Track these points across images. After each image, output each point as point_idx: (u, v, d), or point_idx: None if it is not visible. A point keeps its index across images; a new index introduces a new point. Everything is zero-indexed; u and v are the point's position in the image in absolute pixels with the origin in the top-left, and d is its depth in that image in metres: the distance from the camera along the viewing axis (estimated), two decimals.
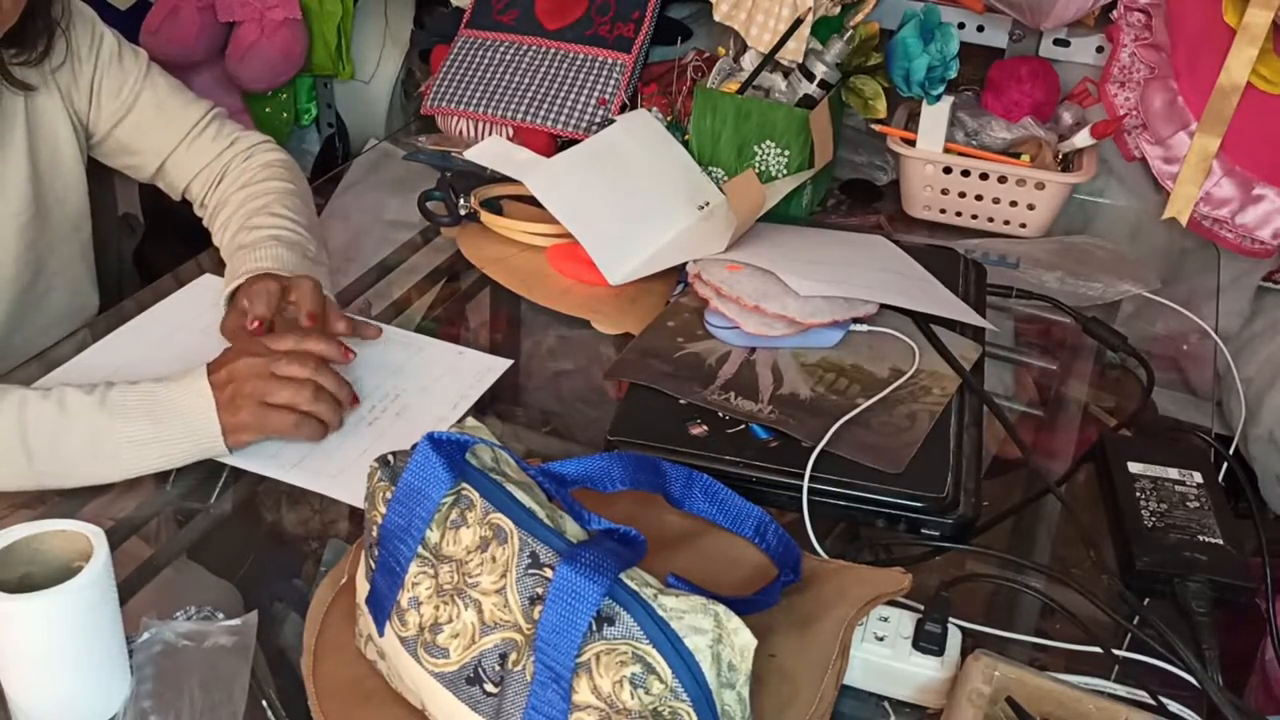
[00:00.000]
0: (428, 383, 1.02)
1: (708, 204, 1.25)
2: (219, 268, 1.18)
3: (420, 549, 0.67)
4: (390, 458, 0.70)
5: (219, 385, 0.90)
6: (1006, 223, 1.32)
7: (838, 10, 1.29)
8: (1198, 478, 0.89)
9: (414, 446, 0.68)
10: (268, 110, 1.81)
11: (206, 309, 1.10)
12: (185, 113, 1.17)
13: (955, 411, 0.93)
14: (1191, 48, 1.31)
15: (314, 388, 0.92)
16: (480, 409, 1.00)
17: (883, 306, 1.04)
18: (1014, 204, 1.31)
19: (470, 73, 1.46)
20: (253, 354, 0.92)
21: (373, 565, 0.69)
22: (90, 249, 1.20)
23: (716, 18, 1.32)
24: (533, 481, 0.70)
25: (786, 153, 1.28)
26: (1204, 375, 1.12)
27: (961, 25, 1.46)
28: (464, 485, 0.67)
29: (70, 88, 1.11)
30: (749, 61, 1.33)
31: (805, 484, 0.85)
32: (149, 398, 0.89)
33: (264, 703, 0.72)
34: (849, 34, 1.28)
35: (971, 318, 1.06)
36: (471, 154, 1.22)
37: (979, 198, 1.32)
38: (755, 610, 0.71)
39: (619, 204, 1.19)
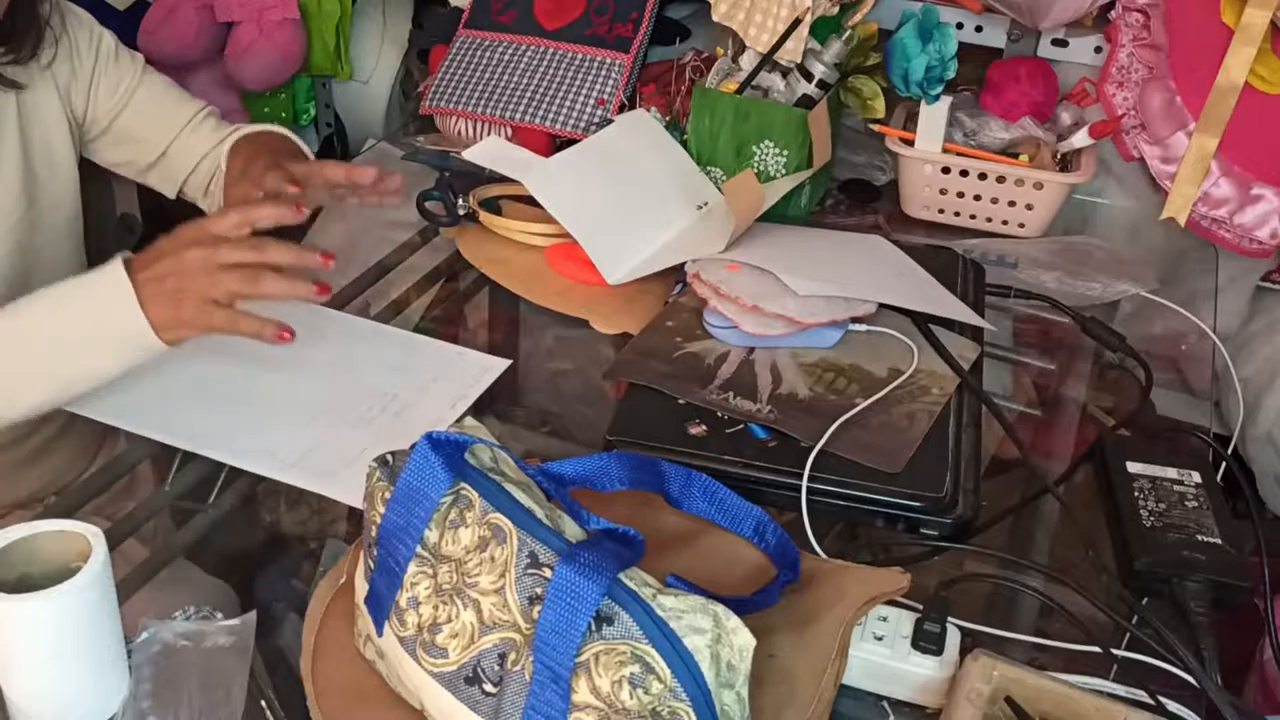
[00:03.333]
0: (426, 383, 1.02)
1: (706, 204, 1.25)
2: None
3: (419, 549, 0.67)
4: (389, 457, 0.70)
5: (159, 277, 0.87)
6: (1005, 223, 1.32)
7: (836, 10, 1.29)
8: (1196, 478, 0.89)
9: (413, 446, 0.68)
10: (266, 110, 1.81)
11: None
12: (183, 106, 1.18)
13: (954, 411, 0.93)
14: (1190, 48, 1.31)
15: (262, 272, 0.87)
16: (479, 409, 1.00)
17: (881, 306, 1.04)
18: (1012, 204, 1.31)
19: (469, 73, 1.46)
20: (199, 243, 0.88)
21: (371, 565, 0.69)
22: (82, 249, 1.20)
23: (715, 18, 1.32)
24: (531, 481, 0.70)
25: (785, 153, 1.28)
26: (1202, 375, 1.13)
27: (960, 25, 1.46)
28: (463, 485, 0.67)
29: (70, 84, 1.11)
30: (747, 61, 1.33)
31: (804, 484, 0.85)
32: (63, 298, 0.87)
33: (262, 703, 0.72)
34: (847, 34, 1.28)
35: (970, 318, 1.06)
36: (470, 154, 1.21)
37: (977, 198, 1.32)
38: (754, 610, 0.71)
39: (618, 204, 1.19)
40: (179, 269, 0.87)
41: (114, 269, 0.87)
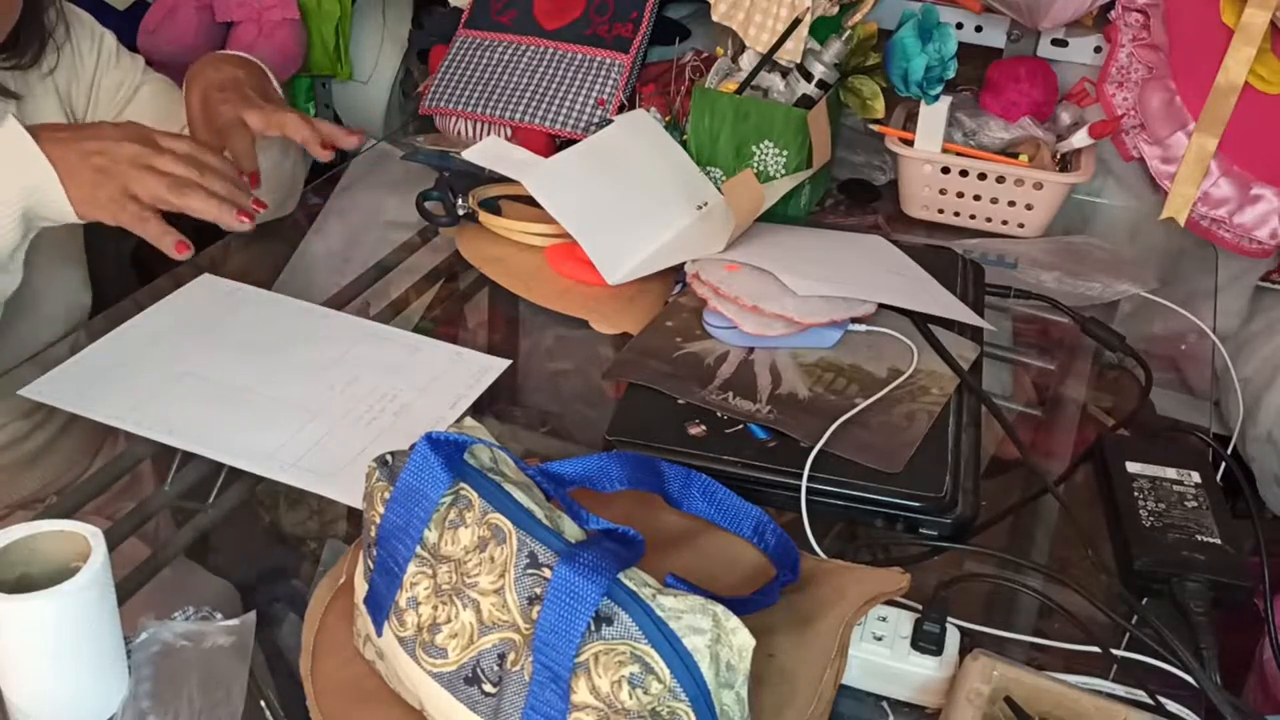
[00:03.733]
0: (426, 383, 1.02)
1: (706, 204, 1.25)
2: (217, 268, 1.18)
3: (418, 549, 0.67)
4: (388, 458, 0.70)
5: (85, 152, 0.87)
6: (1005, 223, 1.32)
7: (836, 10, 1.29)
8: (1196, 477, 0.89)
9: (412, 446, 0.68)
10: None
11: (204, 309, 1.10)
12: (184, 106, 1.17)
13: (954, 411, 0.93)
14: (1189, 48, 1.31)
15: (190, 186, 0.88)
16: (478, 409, 1.00)
17: (881, 306, 1.04)
18: (1012, 204, 1.31)
19: (468, 73, 1.46)
20: (140, 140, 0.88)
21: (371, 565, 0.69)
22: (82, 249, 1.20)
23: (715, 18, 1.32)
24: (531, 481, 0.70)
25: (785, 153, 1.28)
26: (1202, 375, 1.13)
27: (960, 25, 1.46)
28: (462, 485, 0.67)
29: (70, 86, 1.11)
30: (747, 61, 1.33)
31: (804, 484, 0.85)
32: None
33: (262, 703, 0.72)
34: (847, 34, 1.28)
35: (970, 318, 1.06)
36: (470, 154, 1.21)
37: (977, 198, 1.32)
38: (754, 610, 0.71)
39: (617, 204, 1.19)
40: (109, 151, 0.87)
41: (9, 125, 0.87)
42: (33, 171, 0.87)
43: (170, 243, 0.88)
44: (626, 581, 0.60)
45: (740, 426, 0.91)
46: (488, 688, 0.63)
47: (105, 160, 0.87)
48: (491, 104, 1.42)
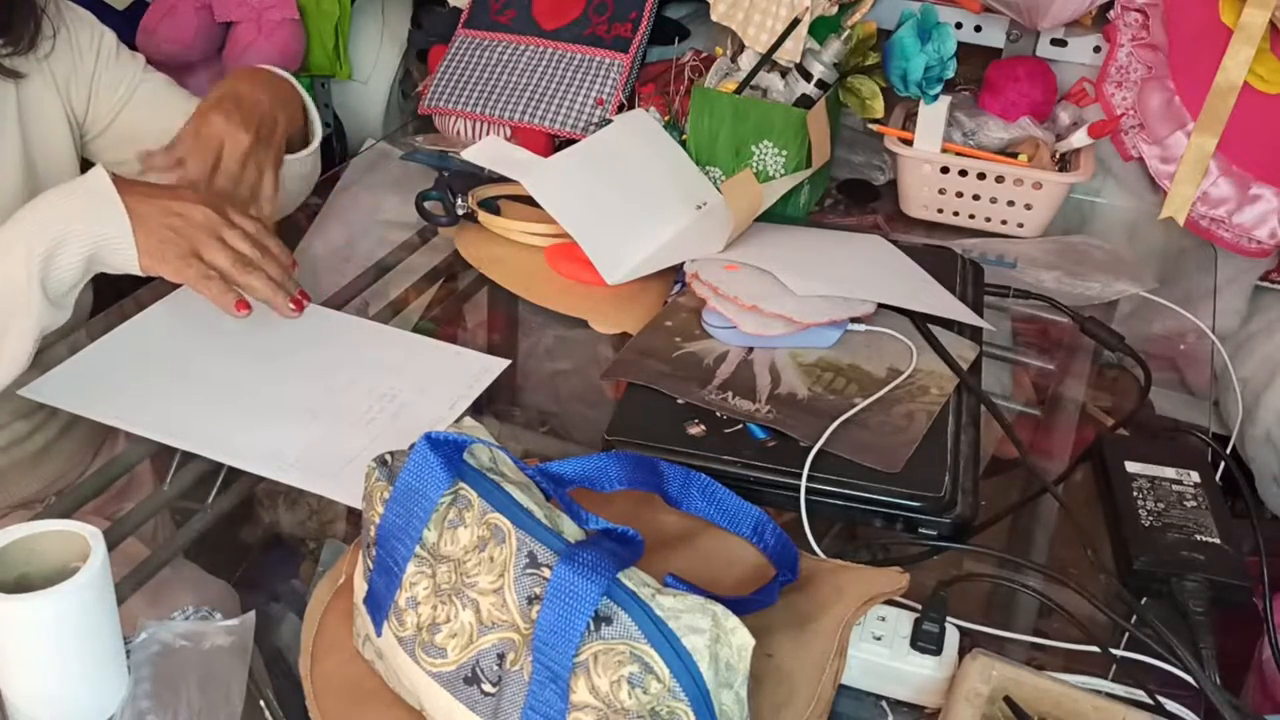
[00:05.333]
0: (425, 383, 1.02)
1: (705, 204, 1.25)
2: None
3: (418, 549, 0.67)
4: (388, 457, 0.70)
5: (162, 210, 0.92)
6: (1004, 222, 1.32)
7: (835, 10, 1.29)
8: (1195, 477, 0.89)
9: (411, 446, 0.68)
10: None
11: (204, 309, 1.10)
12: (184, 105, 1.17)
13: (953, 411, 0.93)
14: (1188, 47, 1.32)
15: (253, 267, 0.94)
16: (478, 409, 1.00)
17: (880, 306, 1.04)
18: (1011, 204, 1.31)
19: (468, 73, 1.46)
20: (215, 210, 0.94)
21: (370, 565, 0.69)
22: None
23: (714, 18, 1.32)
24: (530, 481, 0.70)
25: (784, 152, 1.28)
26: (1201, 375, 1.13)
27: (959, 25, 1.46)
28: (461, 485, 0.67)
29: (69, 81, 1.11)
30: (746, 61, 1.33)
31: (803, 484, 0.85)
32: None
33: (261, 703, 0.72)
34: (846, 34, 1.28)
35: (969, 317, 1.06)
36: (469, 154, 1.21)
37: (976, 197, 1.32)
38: (753, 610, 0.71)
39: (616, 204, 1.19)
40: (186, 214, 0.92)
41: (98, 173, 0.92)
42: (111, 221, 0.91)
43: (231, 301, 0.93)
44: (626, 581, 0.60)
45: (739, 426, 0.91)
46: (487, 687, 0.63)
47: (180, 222, 0.92)
48: (491, 104, 1.42)
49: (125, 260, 0.92)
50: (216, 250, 0.93)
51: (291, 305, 0.97)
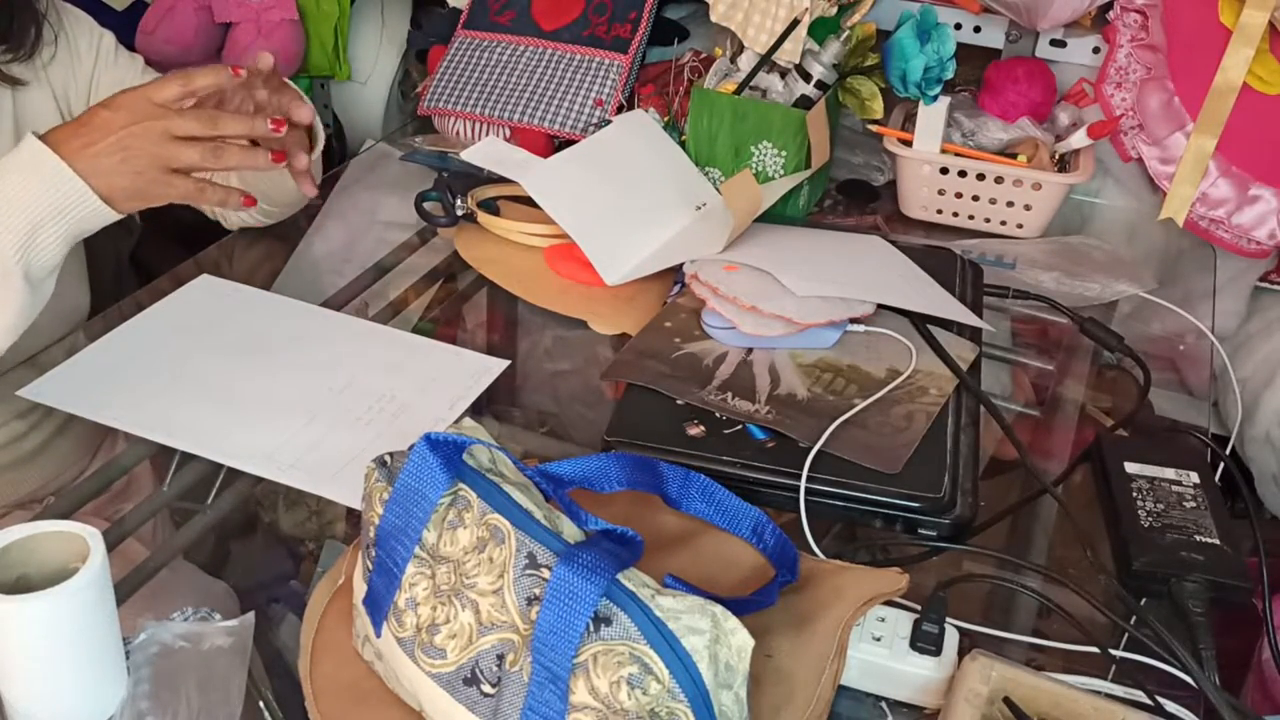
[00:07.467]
0: (424, 383, 1.02)
1: (705, 204, 1.25)
2: (217, 268, 1.18)
3: (417, 550, 0.67)
4: (387, 458, 0.70)
5: (104, 151, 0.86)
6: (1003, 223, 1.32)
7: (834, 11, 1.29)
8: (1194, 478, 0.89)
9: (411, 447, 0.68)
10: None
11: (203, 309, 1.10)
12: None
13: (952, 412, 0.93)
14: (1188, 48, 1.32)
15: (221, 145, 0.88)
16: (477, 409, 1.00)
17: (880, 307, 1.04)
18: (1010, 204, 1.31)
19: (467, 73, 1.46)
20: (146, 115, 0.86)
21: (370, 566, 0.69)
22: (81, 249, 1.20)
23: (713, 18, 1.32)
24: (530, 482, 0.70)
25: (783, 153, 1.28)
26: (1201, 375, 1.13)
27: (958, 26, 1.46)
28: (461, 486, 0.67)
29: (68, 84, 1.11)
30: (746, 62, 1.33)
31: (802, 484, 0.85)
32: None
33: (261, 704, 0.72)
34: (845, 34, 1.28)
35: (968, 318, 1.06)
36: (468, 154, 1.21)
37: (975, 198, 1.32)
38: (752, 611, 0.71)
39: (616, 205, 1.19)
40: (122, 139, 0.86)
41: (29, 143, 0.86)
42: (64, 188, 0.86)
43: (237, 198, 0.88)
44: (625, 582, 0.60)
45: (739, 427, 0.91)
46: (486, 688, 0.63)
47: (126, 150, 0.86)
48: (490, 104, 1.42)
49: (98, 214, 0.87)
50: (182, 152, 0.86)
51: (271, 158, 0.91)
